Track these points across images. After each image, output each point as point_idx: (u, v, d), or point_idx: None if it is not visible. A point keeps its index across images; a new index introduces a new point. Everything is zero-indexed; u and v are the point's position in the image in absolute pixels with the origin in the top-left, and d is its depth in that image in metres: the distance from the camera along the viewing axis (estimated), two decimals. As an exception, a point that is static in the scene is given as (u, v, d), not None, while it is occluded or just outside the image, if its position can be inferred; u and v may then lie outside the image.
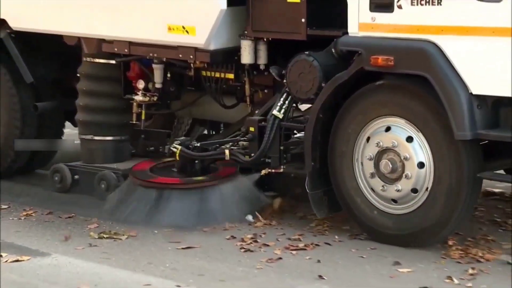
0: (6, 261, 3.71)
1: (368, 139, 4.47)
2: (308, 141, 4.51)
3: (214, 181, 4.88)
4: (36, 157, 5.92)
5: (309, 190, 4.48)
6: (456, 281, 3.43)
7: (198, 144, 4.89)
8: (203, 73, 5.07)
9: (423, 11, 4.35)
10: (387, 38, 4.42)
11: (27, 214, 4.80)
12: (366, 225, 4.53)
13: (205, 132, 6.02)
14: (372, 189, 4.46)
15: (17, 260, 3.73)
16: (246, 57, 4.65)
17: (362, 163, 4.52)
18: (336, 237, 4.39)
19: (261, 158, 4.64)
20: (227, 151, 4.61)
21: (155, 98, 5.24)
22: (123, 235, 4.22)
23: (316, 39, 4.58)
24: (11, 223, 4.66)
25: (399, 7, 4.37)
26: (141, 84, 5.17)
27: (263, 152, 4.56)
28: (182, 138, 5.23)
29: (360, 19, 4.44)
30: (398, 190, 4.32)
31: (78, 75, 5.52)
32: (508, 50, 3.93)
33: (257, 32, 4.65)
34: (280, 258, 3.81)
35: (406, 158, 4.30)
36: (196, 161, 4.90)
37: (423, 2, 4.34)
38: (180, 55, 4.88)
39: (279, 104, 4.51)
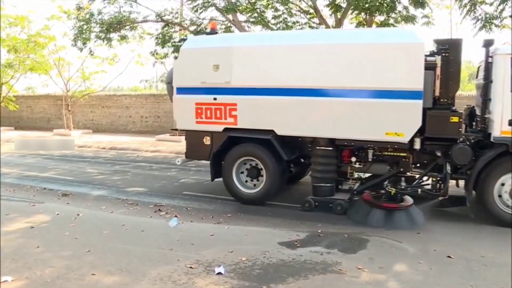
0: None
1: (502, 184, 6.83)
2: (471, 181, 6.97)
3: (412, 204, 7.16)
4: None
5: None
6: None
7: (403, 186, 7.13)
8: (386, 152, 7.52)
9: None
10: None
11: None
12: None
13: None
14: None
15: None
16: (417, 145, 7.21)
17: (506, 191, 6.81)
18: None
19: (442, 193, 7.08)
20: (419, 190, 7.12)
21: (361, 165, 7.85)
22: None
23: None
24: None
25: None
26: (354, 159, 7.83)
27: (446, 190, 7.01)
28: (391, 184, 7.32)
29: (502, 128, 6.72)
30: None
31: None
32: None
33: (431, 134, 6.99)
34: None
35: None
36: (398, 194, 7.09)
37: None
38: (389, 146, 7.31)
39: (447, 167, 6.99)
